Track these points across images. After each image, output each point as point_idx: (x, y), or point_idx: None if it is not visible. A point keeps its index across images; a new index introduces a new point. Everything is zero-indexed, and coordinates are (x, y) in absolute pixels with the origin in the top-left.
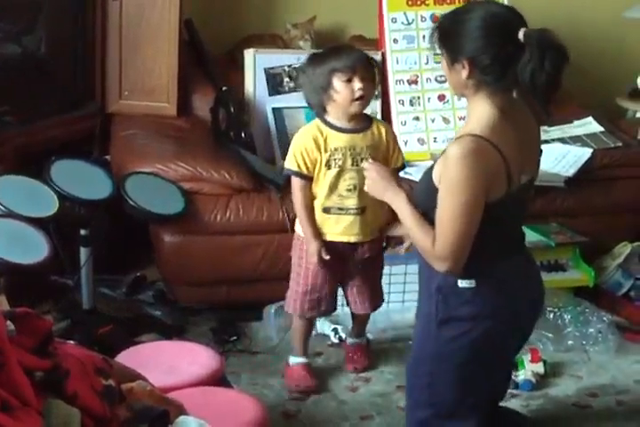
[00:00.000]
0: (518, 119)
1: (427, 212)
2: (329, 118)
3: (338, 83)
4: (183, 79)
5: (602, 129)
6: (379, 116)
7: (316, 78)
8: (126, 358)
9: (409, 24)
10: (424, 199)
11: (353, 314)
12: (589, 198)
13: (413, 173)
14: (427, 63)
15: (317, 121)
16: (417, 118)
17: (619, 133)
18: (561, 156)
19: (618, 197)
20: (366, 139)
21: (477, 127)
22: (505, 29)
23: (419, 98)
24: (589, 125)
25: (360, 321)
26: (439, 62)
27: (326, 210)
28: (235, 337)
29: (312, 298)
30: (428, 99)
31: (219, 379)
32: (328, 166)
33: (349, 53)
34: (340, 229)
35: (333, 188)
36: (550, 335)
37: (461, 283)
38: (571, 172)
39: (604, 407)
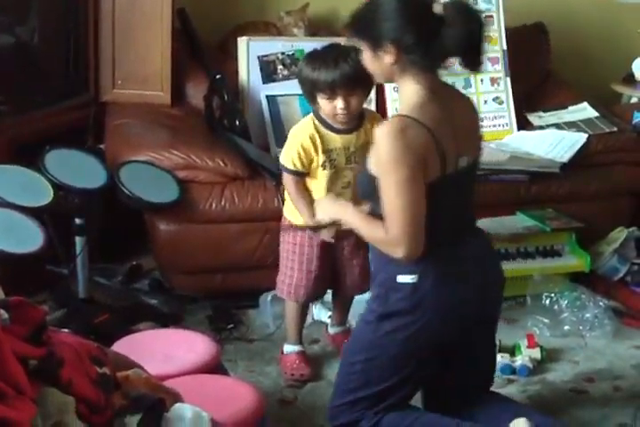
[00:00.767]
0: (450, 101)
1: (373, 203)
2: (323, 115)
3: (320, 99)
4: (177, 68)
5: (597, 114)
6: (373, 104)
7: (304, 86)
8: (123, 346)
9: None
10: (366, 190)
11: (336, 299)
12: (585, 184)
13: None
14: None
15: (313, 117)
16: None
17: (614, 119)
18: (556, 141)
19: (613, 182)
20: (359, 137)
21: (405, 108)
22: (420, 4)
23: None
24: (584, 111)
25: (343, 306)
26: None
27: None
28: (231, 325)
29: (307, 284)
30: None
31: (215, 367)
32: (324, 167)
33: (333, 69)
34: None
35: (330, 187)
36: (547, 321)
37: (401, 278)
38: (566, 157)
39: (601, 393)
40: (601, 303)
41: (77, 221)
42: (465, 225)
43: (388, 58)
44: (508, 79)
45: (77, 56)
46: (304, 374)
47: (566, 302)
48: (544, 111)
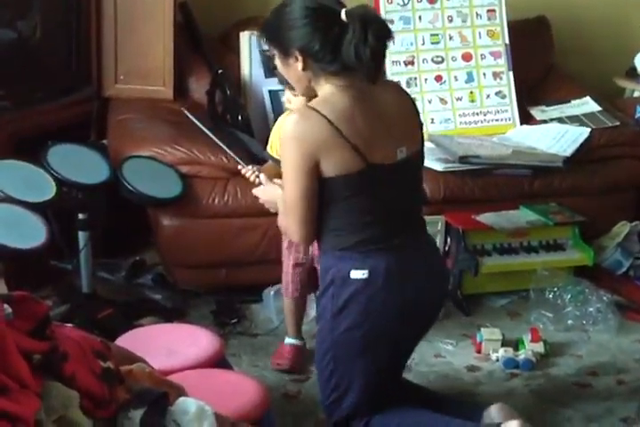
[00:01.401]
0: (377, 97)
1: None
2: None
3: None
4: (179, 62)
5: (600, 108)
6: None
7: None
8: (126, 341)
9: (405, 5)
10: None
11: None
12: (588, 178)
13: None
14: (423, 44)
15: None
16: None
17: (616, 113)
18: (559, 135)
19: (616, 176)
20: None
21: (317, 101)
22: (327, 12)
23: (415, 79)
24: (587, 105)
25: None
26: (436, 43)
27: None
28: (235, 320)
29: (294, 278)
30: (425, 80)
31: (219, 361)
32: None
33: None
34: None
35: None
36: (550, 315)
37: (354, 274)
38: (569, 151)
39: (605, 386)
40: (604, 297)
41: (80, 216)
42: (411, 218)
43: (298, 65)
44: (511, 73)
45: (79, 51)
46: (289, 366)
47: (570, 296)
48: (547, 105)
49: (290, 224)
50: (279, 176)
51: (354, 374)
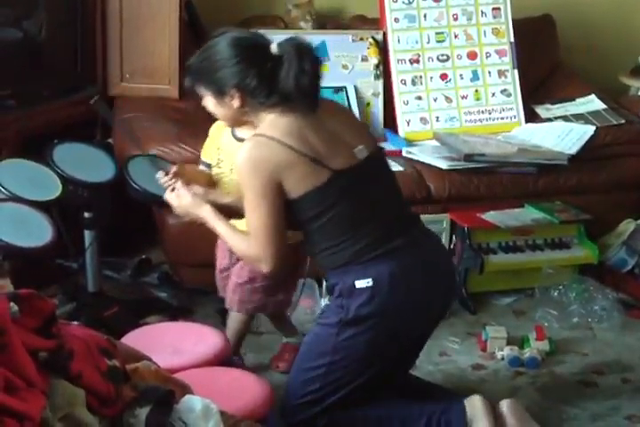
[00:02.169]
0: (314, 113)
1: None
2: None
3: None
4: (184, 61)
5: (605, 106)
6: (380, 97)
7: None
8: (132, 339)
9: (410, 3)
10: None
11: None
12: (593, 176)
13: (416, 153)
14: (428, 42)
15: None
16: (419, 98)
17: (621, 111)
18: (564, 133)
19: (621, 174)
20: None
21: (262, 128)
22: (257, 48)
23: (421, 77)
24: (592, 103)
25: (274, 317)
26: (441, 41)
27: None
28: None
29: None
30: (430, 78)
31: (225, 359)
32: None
33: None
34: None
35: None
36: (555, 313)
37: (359, 284)
38: (574, 149)
39: (610, 385)
40: (609, 295)
41: (86, 214)
42: (401, 217)
43: (235, 102)
44: (516, 71)
45: (85, 50)
46: (280, 366)
47: (575, 294)
48: (552, 103)
49: (257, 254)
50: (203, 181)
51: (344, 380)
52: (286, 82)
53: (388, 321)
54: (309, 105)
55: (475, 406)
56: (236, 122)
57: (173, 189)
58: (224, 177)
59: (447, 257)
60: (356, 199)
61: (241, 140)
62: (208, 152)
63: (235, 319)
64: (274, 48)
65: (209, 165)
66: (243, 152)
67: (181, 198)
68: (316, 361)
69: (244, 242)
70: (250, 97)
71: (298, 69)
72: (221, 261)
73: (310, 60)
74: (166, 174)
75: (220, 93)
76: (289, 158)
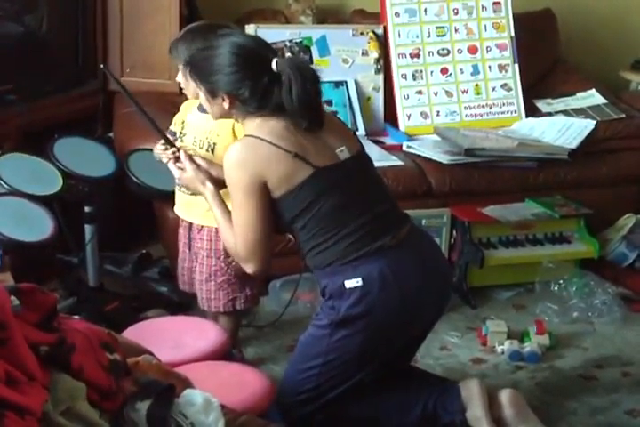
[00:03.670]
0: None
1: None
2: None
3: None
4: None
5: (605, 101)
6: (381, 91)
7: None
8: (133, 333)
9: None
10: None
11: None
12: (593, 170)
13: (417, 147)
14: (429, 37)
15: None
16: (419, 92)
17: (622, 105)
18: (564, 128)
19: (621, 168)
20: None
21: (249, 130)
22: (257, 61)
23: (421, 71)
24: (593, 98)
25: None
26: (442, 36)
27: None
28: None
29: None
30: (431, 72)
31: (225, 353)
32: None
33: None
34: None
35: None
36: (555, 307)
37: (349, 284)
38: (574, 144)
39: (610, 379)
40: (610, 290)
41: (87, 209)
42: (389, 216)
43: (225, 104)
44: (517, 66)
45: (85, 44)
46: None
47: (575, 288)
48: (552, 98)
49: (243, 253)
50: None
51: (340, 379)
52: (289, 101)
53: (379, 321)
54: (315, 122)
55: (470, 389)
56: (221, 117)
57: (177, 159)
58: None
59: (441, 257)
60: (338, 197)
61: (205, 111)
62: (175, 124)
63: (220, 319)
64: (274, 65)
65: (175, 134)
66: (232, 152)
67: (184, 171)
68: (311, 362)
69: (234, 238)
70: (240, 104)
71: (301, 89)
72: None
73: (311, 79)
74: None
75: (211, 93)
76: (276, 157)
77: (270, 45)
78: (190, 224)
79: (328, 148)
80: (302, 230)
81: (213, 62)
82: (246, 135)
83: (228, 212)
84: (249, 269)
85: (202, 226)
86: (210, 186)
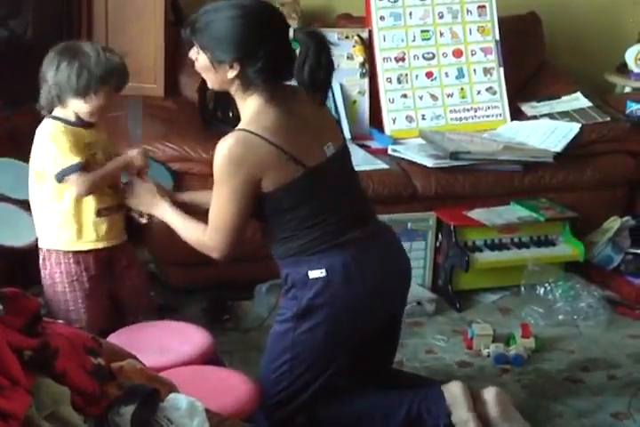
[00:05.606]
0: (296, 103)
1: None
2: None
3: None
4: (170, 60)
5: (590, 104)
6: (366, 95)
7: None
8: (118, 338)
9: (395, 1)
10: None
11: None
12: (578, 173)
13: (402, 151)
14: (414, 40)
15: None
16: (405, 96)
17: (607, 108)
18: (549, 131)
19: (607, 171)
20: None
21: (246, 123)
22: (277, 27)
23: (406, 75)
24: (578, 101)
25: None
26: (427, 39)
27: (99, 212)
28: (226, 316)
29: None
30: (416, 76)
31: (210, 358)
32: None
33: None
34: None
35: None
36: (541, 310)
37: (312, 274)
38: (559, 147)
39: (596, 382)
40: (595, 293)
41: None
42: (360, 210)
43: (230, 73)
44: (502, 69)
45: None
46: None
47: (560, 291)
48: (537, 101)
49: (215, 243)
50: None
51: (311, 374)
52: (300, 73)
53: (342, 312)
54: (319, 99)
55: (453, 392)
56: (220, 88)
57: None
58: None
59: (402, 252)
60: (321, 196)
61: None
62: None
63: None
64: (291, 33)
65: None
66: (224, 148)
67: (134, 190)
68: (280, 359)
69: (199, 229)
70: (249, 73)
71: (315, 62)
72: None
73: (327, 54)
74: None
75: (218, 60)
76: (272, 156)
77: (277, 9)
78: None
79: (318, 144)
80: (276, 222)
81: (235, 29)
82: (241, 129)
83: (180, 212)
84: (217, 255)
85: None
86: (161, 203)
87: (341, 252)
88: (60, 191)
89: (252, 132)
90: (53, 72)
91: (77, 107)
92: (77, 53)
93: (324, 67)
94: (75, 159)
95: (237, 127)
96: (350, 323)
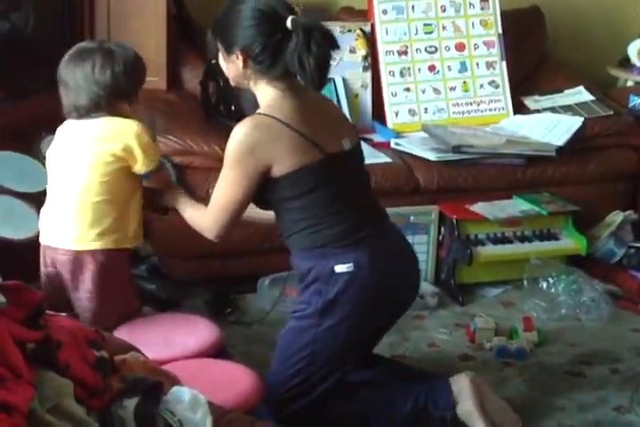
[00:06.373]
0: (310, 97)
1: None
2: None
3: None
4: (172, 53)
5: (593, 98)
6: (369, 88)
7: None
8: (122, 331)
9: None
10: None
11: None
12: (581, 167)
13: (405, 144)
14: (416, 34)
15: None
16: (407, 89)
17: (609, 102)
18: (552, 125)
19: (609, 165)
20: None
21: (265, 108)
22: (274, 17)
23: (409, 69)
24: (580, 94)
25: None
26: (429, 33)
27: None
28: (229, 309)
29: None
30: (419, 69)
31: (218, 350)
32: None
33: None
34: None
35: None
36: (544, 304)
37: (339, 268)
38: (562, 141)
39: (598, 375)
40: (597, 287)
41: None
42: (374, 207)
43: (239, 63)
44: (504, 63)
45: (72, 42)
46: None
47: (563, 285)
48: (540, 95)
49: (211, 222)
50: None
51: (327, 369)
52: (292, 59)
53: (365, 307)
54: (313, 84)
55: (460, 384)
56: (239, 82)
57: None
58: None
59: (410, 248)
60: (339, 184)
61: None
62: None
63: None
64: (288, 22)
65: None
66: (240, 133)
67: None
68: (298, 355)
69: (199, 210)
70: (253, 62)
71: (303, 49)
72: None
73: (318, 41)
74: None
75: (227, 50)
76: (290, 138)
77: (290, 5)
78: None
79: (334, 135)
80: (294, 210)
81: (235, 16)
82: (260, 113)
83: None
84: (212, 236)
85: None
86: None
87: (364, 247)
88: None
89: (271, 117)
90: (91, 74)
91: (123, 109)
92: (112, 54)
93: (313, 54)
94: None
95: (257, 111)
96: (372, 319)
